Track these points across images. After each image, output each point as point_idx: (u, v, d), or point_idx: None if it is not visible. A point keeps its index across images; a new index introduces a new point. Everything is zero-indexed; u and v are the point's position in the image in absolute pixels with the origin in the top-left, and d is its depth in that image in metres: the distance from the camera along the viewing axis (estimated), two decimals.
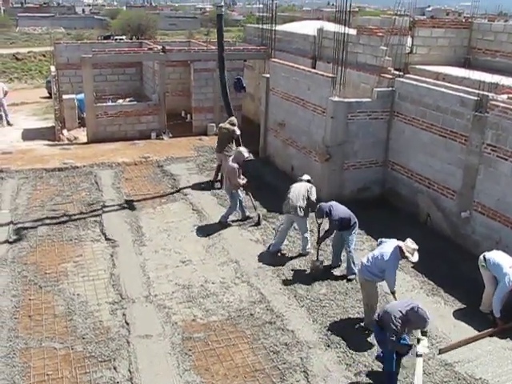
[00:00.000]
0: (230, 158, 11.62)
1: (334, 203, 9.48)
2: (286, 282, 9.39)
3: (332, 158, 12.48)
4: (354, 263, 9.43)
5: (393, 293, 7.87)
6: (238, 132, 13.70)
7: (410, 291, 9.21)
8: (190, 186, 13.83)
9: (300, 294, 9.04)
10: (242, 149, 11.57)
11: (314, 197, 10.10)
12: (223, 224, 11.62)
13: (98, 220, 11.70)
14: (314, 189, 10.22)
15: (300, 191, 10.09)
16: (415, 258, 7.72)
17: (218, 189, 13.60)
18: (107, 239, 10.82)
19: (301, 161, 14.12)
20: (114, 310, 8.43)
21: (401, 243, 7.76)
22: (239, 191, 11.68)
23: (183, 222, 11.79)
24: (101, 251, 10.34)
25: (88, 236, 10.95)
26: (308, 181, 10.36)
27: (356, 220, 9.44)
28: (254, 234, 11.28)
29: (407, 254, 7.64)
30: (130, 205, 12.58)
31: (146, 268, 9.75)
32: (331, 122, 12.36)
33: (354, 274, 9.38)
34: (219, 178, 13.78)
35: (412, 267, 9.94)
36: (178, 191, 13.52)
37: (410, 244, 7.71)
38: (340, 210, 9.35)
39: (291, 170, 14.55)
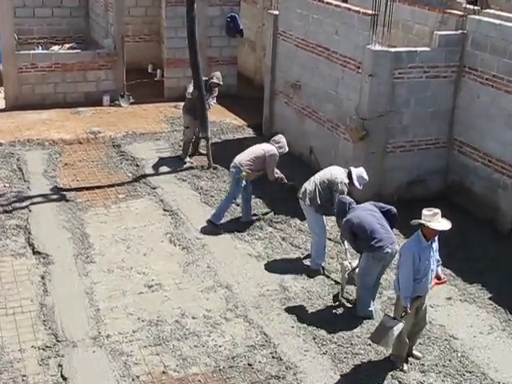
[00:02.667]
0: (272, 146, 11.92)
1: (364, 204, 9.57)
2: (301, 317, 9.40)
3: (370, 135, 12.50)
4: (364, 302, 9.52)
5: (403, 311, 8.10)
6: (189, 89, 14.38)
7: (486, 333, 9.25)
8: (159, 174, 13.91)
9: (322, 334, 9.06)
10: (284, 140, 12.00)
11: (337, 190, 10.29)
12: (213, 227, 11.76)
13: (21, 225, 11.71)
14: (344, 183, 10.32)
15: (325, 174, 10.55)
16: (443, 224, 8.02)
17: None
18: (36, 253, 10.81)
19: (324, 140, 14.12)
20: (44, 358, 8.39)
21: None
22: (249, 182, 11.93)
23: (150, 227, 11.82)
24: (26, 271, 10.31)
25: (7, 248, 10.94)
26: (349, 174, 10.40)
27: (382, 243, 9.07)
28: (254, 246, 11.32)
29: (427, 222, 7.96)
30: (70, 203, 12.59)
31: (95, 296, 9.74)
32: (370, 82, 12.37)
33: (369, 316, 9.49)
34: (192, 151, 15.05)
35: (489, 298, 10.01)
36: (142, 183, 13.57)
37: (425, 212, 8.07)
38: (360, 213, 9.32)
39: (309, 154, 14.56)
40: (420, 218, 8.03)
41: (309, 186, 10.53)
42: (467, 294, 10.11)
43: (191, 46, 14.15)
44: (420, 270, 8.07)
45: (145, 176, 13.89)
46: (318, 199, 10.33)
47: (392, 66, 12.32)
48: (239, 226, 11.99)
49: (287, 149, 12.04)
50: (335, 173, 10.50)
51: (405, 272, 8.08)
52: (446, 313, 9.66)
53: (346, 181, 10.33)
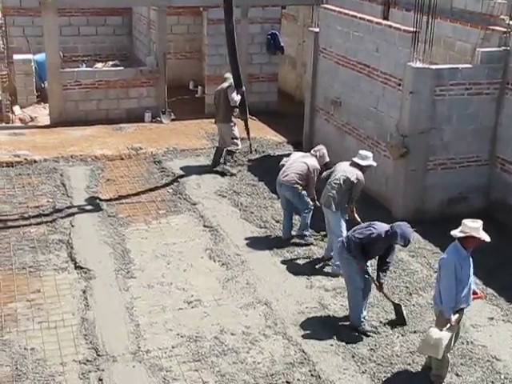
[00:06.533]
0: (314, 158, 11.83)
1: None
2: (340, 335, 9.35)
3: (411, 152, 12.45)
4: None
5: (447, 323, 8.00)
6: (234, 96, 14.49)
7: None
8: (199, 190, 13.96)
9: (361, 353, 9.00)
10: (325, 150, 12.02)
11: (358, 186, 10.78)
12: (301, 238, 11.92)
13: (64, 239, 11.84)
14: (362, 178, 10.69)
15: (340, 176, 10.78)
16: (486, 235, 8.02)
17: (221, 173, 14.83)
18: (78, 268, 10.92)
19: None
20: (85, 372, 8.45)
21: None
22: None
23: (190, 243, 11.88)
24: (68, 285, 10.41)
25: (49, 263, 11.06)
26: (358, 165, 10.77)
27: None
28: (293, 263, 11.30)
29: (471, 232, 7.93)
30: (112, 218, 12.71)
31: (135, 311, 9.80)
32: (411, 99, 12.33)
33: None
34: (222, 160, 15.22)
35: None
36: (183, 199, 13.65)
37: (467, 222, 8.03)
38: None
39: None
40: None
41: (329, 192, 10.74)
42: (510, 313, 9.95)
43: (232, 56, 14.46)
44: (462, 280, 8.01)
45: (185, 192, 13.96)
46: (343, 202, 10.75)
47: (433, 83, 12.27)
48: (278, 242, 11.99)
49: (327, 159, 11.95)
50: (349, 171, 10.77)
51: (447, 282, 8.00)
52: (488, 333, 9.50)
53: (362, 175, 10.73)
